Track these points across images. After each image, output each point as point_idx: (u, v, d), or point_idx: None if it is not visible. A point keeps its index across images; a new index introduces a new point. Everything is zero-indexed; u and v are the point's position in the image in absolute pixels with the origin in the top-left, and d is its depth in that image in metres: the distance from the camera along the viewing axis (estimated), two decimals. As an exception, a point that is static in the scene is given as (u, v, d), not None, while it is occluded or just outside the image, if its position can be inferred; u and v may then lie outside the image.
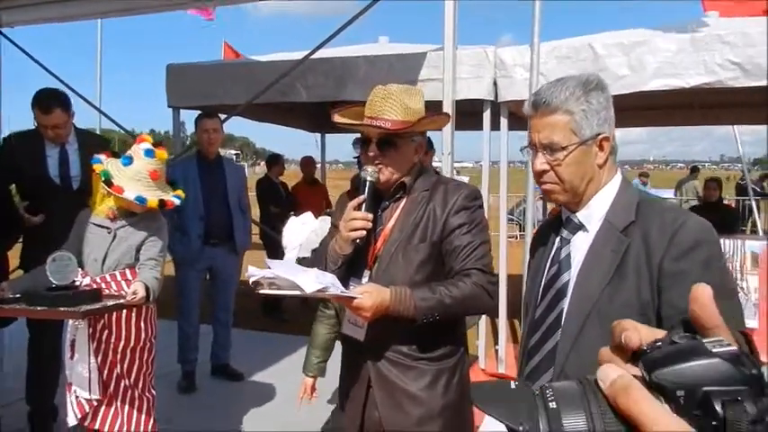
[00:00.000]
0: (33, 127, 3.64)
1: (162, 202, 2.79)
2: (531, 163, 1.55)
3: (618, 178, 1.54)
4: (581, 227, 1.54)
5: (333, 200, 8.66)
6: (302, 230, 3.42)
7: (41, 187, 3.60)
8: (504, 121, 5.14)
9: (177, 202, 2.88)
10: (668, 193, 16.10)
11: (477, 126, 5.52)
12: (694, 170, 16.66)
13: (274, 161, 8.18)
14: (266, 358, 5.15)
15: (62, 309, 2.46)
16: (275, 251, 7.77)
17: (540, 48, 4.52)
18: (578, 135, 1.47)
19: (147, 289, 2.66)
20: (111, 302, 2.60)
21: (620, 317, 1.37)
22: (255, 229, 7.16)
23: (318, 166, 9.25)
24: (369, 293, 1.82)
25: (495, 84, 5.03)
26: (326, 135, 10.24)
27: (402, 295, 1.85)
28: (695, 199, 13.10)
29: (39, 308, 2.50)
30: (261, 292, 1.78)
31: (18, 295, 2.62)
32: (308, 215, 3.73)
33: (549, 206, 9.97)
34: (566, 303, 1.49)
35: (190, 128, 4.92)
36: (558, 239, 1.61)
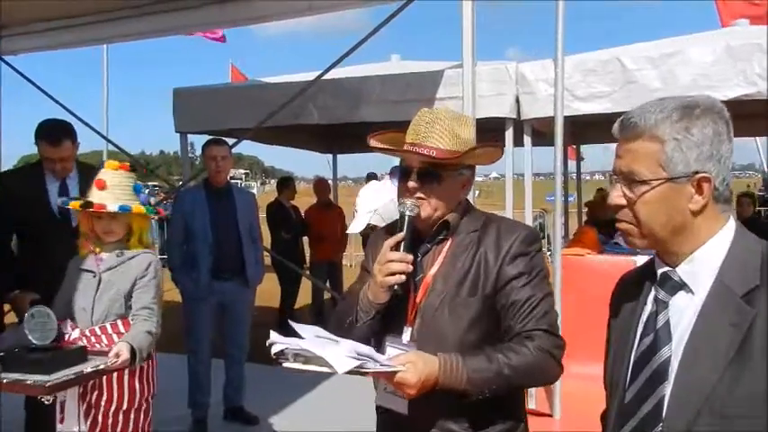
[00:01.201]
0: (22, 162, 3.46)
1: (86, 204, 2.54)
2: (610, 194, 1.27)
3: (730, 227, 1.23)
4: (683, 286, 1.23)
5: (347, 221, 8.50)
6: (379, 196, 3.08)
7: (43, 224, 3.38)
8: (527, 139, 4.89)
9: (111, 208, 2.52)
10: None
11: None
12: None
13: (285, 185, 7.97)
14: (283, 397, 4.85)
15: (28, 381, 2.15)
16: (287, 278, 7.58)
17: (565, 62, 4.27)
18: (667, 169, 1.19)
19: (132, 349, 2.37)
20: (90, 368, 2.29)
21: (743, 413, 1.07)
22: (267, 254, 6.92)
23: (330, 183, 9.05)
24: (413, 364, 1.53)
25: (517, 101, 4.79)
26: (338, 155, 10.06)
27: (452, 366, 1.56)
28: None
29: (5, 377, 2.20)
30: (285, 365, 1.50)
31: (2, 353, 2.36)
32: (388, 181, 3.40)
33: (573, 223, 9.67)
34: (667, 389, 1.18)
35: (199, 149, 4.71)
36: (651, 300, 1.28)
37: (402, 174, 1.75)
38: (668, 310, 1.24)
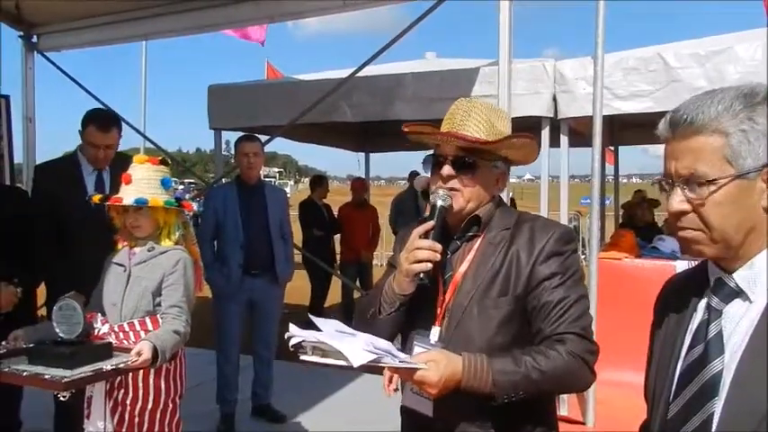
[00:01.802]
0: (66, 153, 3.50)
1: (105, 198, 2.56)
2: (668, 201, 1.15)
3: None
4: (739, 293, 1.11)
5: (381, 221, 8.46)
6: None
7: (81, 217, 3.34)
8: (564, 139, 4.77)
9: (126, 202, 2.49)
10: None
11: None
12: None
13: (318, 183, 7.97)
14: (311, 396, 4.84)
15: (46, 376, 2.15)
16: (317, 276, 7.58)
17: (605, 59, 4.14)
18: (734, 165, 1.07)
19: (155, 349, 2.32)
20: (110, 365, 2.27)
21: None
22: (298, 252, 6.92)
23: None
24: (435, 363, 1.46)
25: (554, 99, 4.67)
26: (370, 153, 10.03)
27: (477, 367, 1.49)
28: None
29: (26, 370, 2.22)
30: (303, 359, 1.46)
31: (32, 345, 2.37)
32: None
33: (609, 227, 9.40)
34: (717, 405, 1.07)
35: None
36: (702, 307, 1.17)
37: (435, 162, 1.69)
38: (722, 319, 1.12)
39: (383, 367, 1.46)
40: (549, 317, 1.57)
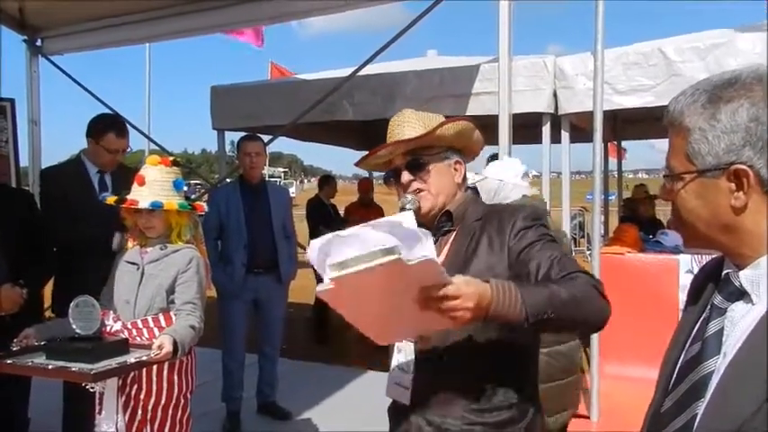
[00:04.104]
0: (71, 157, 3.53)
1: (120, 200, 2.58)
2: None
3: None
4: (743, 294, 1.03)
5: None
6: (505, 171, 3.17)
7: (89, 218, 3.35)
8: (565, 135, 4.78)
9: (142, 205, 2.52)
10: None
11: (533, 139, 5.19)
12: None
13: (326, 182, 8.00)
14: (316, 393, 4.87)
15: (73, 369, 2.20)
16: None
17: (605, 54, 4.15)
18: (695, 162, 1.03)
19: (175, 342, 2.36)
20: (133, 359, 2.32)
21: None
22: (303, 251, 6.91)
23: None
24: (465, 281, 1.38)
25: (554, 95, 4.68)
26: (374, 152, 10.02)
27: (505, 287, 1.43)
28: None
29: (51, 363, 2.26)
30: (333, 277, 1.38)
31: (45, 342, 2.41)
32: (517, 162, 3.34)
33: (613, 222, 9.37)
34: (700, 407, 1.01)
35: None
36: (709, 304, 1.11)
37: (393, 176, 1.80)
38: (724, 318, 1.05)
39: (407, 263, 1.28)
40: (549, 270, 1.57)
